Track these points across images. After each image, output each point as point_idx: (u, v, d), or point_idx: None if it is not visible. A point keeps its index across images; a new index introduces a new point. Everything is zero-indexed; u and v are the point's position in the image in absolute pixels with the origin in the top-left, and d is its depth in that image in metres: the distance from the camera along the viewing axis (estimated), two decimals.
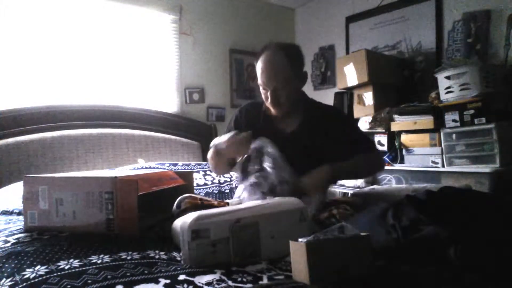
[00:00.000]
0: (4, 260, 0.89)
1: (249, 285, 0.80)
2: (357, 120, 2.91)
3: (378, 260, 0.86)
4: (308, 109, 1.56)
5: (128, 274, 0.81)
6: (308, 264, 0.78)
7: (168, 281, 0.78)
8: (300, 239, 0.82)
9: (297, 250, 0.82)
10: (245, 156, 1.45)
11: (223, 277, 0.82)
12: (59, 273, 0.80)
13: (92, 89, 2.62)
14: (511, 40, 2.41)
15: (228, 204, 1.31)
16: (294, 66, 1.46)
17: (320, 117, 1.54)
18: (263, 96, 1.51)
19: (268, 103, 1.49)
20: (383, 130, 2.68)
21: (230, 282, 0.80)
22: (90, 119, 2.47)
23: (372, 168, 1.61)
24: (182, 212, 1.16)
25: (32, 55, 2.39)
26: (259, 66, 1.47)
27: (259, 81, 1.48)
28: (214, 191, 1.94)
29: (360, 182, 2.46)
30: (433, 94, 2.51)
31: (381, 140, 2.69)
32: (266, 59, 1.46)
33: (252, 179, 1.40)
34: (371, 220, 1.05)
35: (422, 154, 2.47)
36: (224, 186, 2.01)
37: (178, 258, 0.95)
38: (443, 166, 2.36)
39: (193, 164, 2.26)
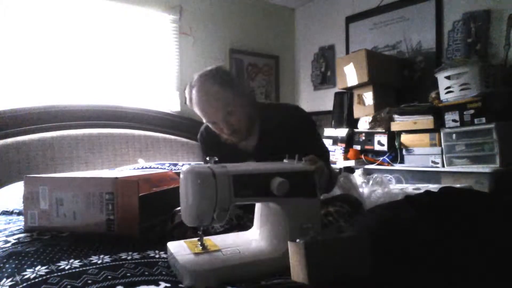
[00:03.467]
0: (4, 260, 0.89)
1: None
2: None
3: (378, 260, 0.86)
4: (264, 119, 1.46)
5: (129, 274, 0.81)
6: (307, 265, 0.78)
7: (168, 284, 0.78)
8: (298, 239, 0.82)
9: (296, 251, 0.82)
10: None
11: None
12: (59, 273, 0.80)
13: (92, 89, 2.62)
14: (511, 40, 2.41)
15: None
16: (228, 87, 1.35)
17: (279, 121, 1.44)
18: (217, 132, 1.42)
19: (223, 136, 1.42)
20: (383, 130, 2.68)
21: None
22: (90, 119, 2.46)
23: (331, 186, 1.48)
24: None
25: (32, 55, 2.39)
26: (196, 106, 1.38)
27: (205, 121, 1.41)
28: None
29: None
30: (433, 94, 2.52)
31: (381, 140, 2.70)
32: (199, 94, 1.35)
33: None
34: (370, 220, 1.05)
35: (422, 154, 2.47)
36: None
37: None
38: (443, 166, 2.36)
39: (193, 164, 2.25)
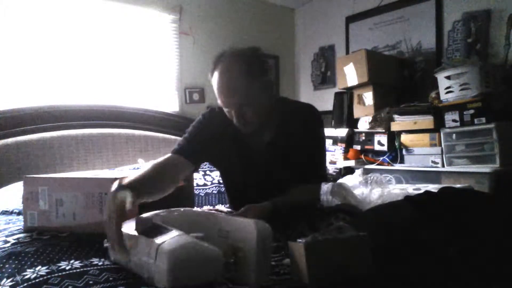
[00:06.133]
0: (4, 261, 0.89)
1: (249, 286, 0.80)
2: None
3: (378, 260, 0.86)
4: (281, 117, 1.37)
5: (130, 276, 0.81)
6: (307, 265, 0.78)
7: None
8: (298, 240, 0.82)
9: (296, 251, 0.82)
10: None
11: (224, 280, 0.82)
12: (60, 274, 0.80)
13: (92, 89, 2.62)
14: (511, 40, 2.41)
15: (221, 211, 1.29)
16: (255, 76, 1.24)
17: (296, 120, 1.37)
18: (227, 115, 1.30)
19: (234, 123, 1.29)
20: (383, 130, 2.68)
21: (231, 284, 0.80)
22: (90, 119, 2.46)
23: (308, 202, 1.39)
24: None
25: (32, 55, 2.39)
26: (214, 82, 1.25)
27: (219, 101, 1.27)
28: (214, 192, 1.94)
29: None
30: (433, 94, 2.52)
31: (381, 140, 2.70)
32: (222, 75, 1.22)
33: None
34: (371, 220, 1.05)
35: (422, 154, 2.47)
36: (223, 186, 2.00)
37: None
38: (443, 166, 2.36)
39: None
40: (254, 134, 1.34)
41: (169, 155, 1.31)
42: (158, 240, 0.75)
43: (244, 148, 1.36)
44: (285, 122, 1.36)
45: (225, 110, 1.29)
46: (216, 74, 1.24)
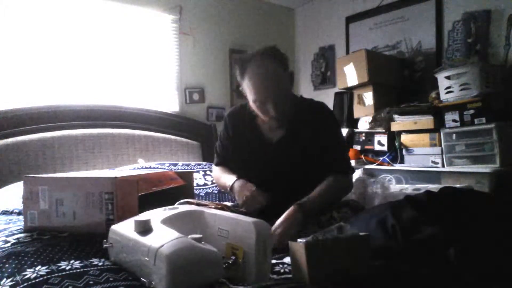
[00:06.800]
0: (4, 260, 0.89)
1: (249, 285, 0.80)
2: (356, 120, 2.91)
3: (378, 260, 0.86)
4: (295, 112, 1.43)
5: (130, 278, 0.81)
6: (308, 265, 0.78)
7: None
8: (299, 240, 0.82)
9: (297, 251, 0.82)
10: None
11: (223, 280, 0.82)
12: (60, 274, 0.80)
13: (92, 89, 2.61)
14: (511, 40, 2.41)
15: (227, 206, 1.30)
16: (285, 70, 1.37)
17: (309, 117, 1.44)
18: (258, 111, 1.37)
19: (265, 117, 1.37)
20: (383, 130, 2.68)
21: (231, 284, 0.80)
22: (90, 119, 2.46)
23: (340, 194, 1.46)
24: None
25: (32, 55, 2.39)
26: (249, 81, 1.33)
27: (253, 97, 1.34)
28: (214, 191, 1.94)
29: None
30: (433, 94, 2.52)
31: (381, 140, 2.69)
32: (259, 71, 1.32)
33: None
34: (371, 220, 1.05)
35: (422, 154, 2.47)
36: None
37: None
38: (443, 166, 2.36)
39: (193, 164, 2.26)
40: (270, 130, 1.43)
41: (219, 168, 1.58)
42: (157, 242, 0.75)
43: (257, 143, 1.44)
44: (297, 118, 1.43)
45: (259, 106, 1.35)
46: (251, 71, 1.33)
